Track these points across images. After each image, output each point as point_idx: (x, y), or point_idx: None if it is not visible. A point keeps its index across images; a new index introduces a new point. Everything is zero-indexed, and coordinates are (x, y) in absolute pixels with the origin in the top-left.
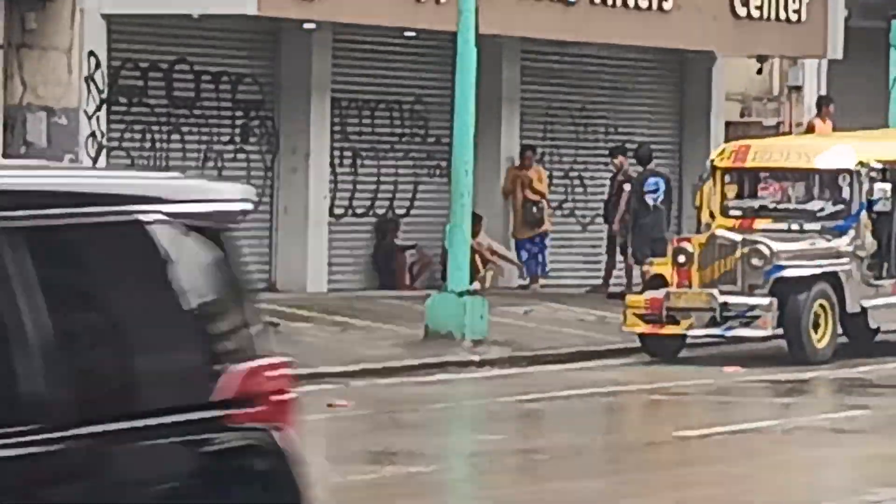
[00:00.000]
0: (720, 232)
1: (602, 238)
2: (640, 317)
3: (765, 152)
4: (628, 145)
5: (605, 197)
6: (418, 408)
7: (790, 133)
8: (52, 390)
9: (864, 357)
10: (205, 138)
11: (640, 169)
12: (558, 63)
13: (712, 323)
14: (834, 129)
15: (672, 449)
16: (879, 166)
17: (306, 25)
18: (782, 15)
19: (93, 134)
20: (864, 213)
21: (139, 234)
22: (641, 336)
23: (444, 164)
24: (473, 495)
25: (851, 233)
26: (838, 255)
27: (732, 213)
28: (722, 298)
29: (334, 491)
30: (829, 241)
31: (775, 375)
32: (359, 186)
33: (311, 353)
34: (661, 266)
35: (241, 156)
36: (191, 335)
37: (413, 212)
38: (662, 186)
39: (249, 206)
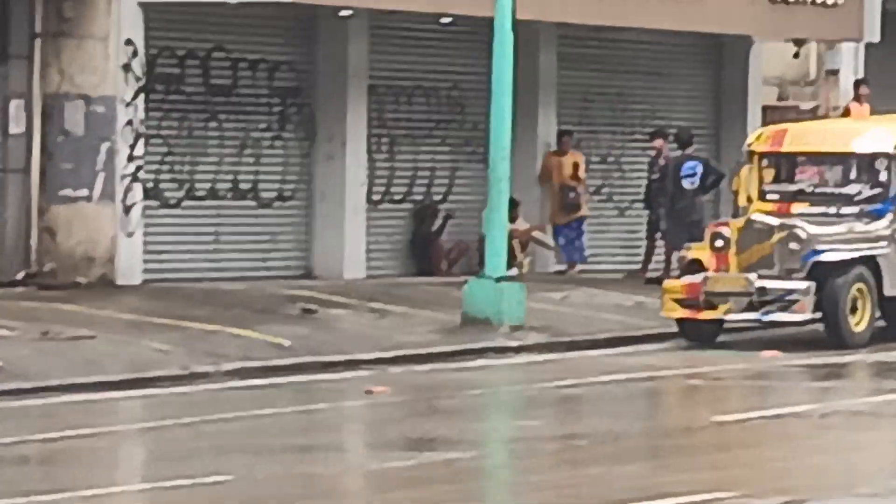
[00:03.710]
0: (757, 216)
1: (640, 223)
2: (678, 302)
3: (802, 136)
4: (665, 129)
5: (642, 181)
6: (456, 394)
7: (827, 117)
8: None
9: None
10: (242, 126)
11: (679, 153)
12: (595, 48)
13: (750, 307)
14: (871, 113)
15: (710, 434)
16: None
17: (343, 12)
18: None
19: (130, 122)
20: None
21: None
22: (679, 321)
23: (481, 149)
24: (511, 481)
25: (889, 216)
26: (876, 238)
27: (770, 197)
28: (759, 283)
29: (372, 477)
30: (866, 224)
31: (813, 360)
32: (396, 173)
33: (348, 339)
34: (699, 251)
35: (278, 143)
36: None
37: (450, 198)
38: (699, 171)
39: None
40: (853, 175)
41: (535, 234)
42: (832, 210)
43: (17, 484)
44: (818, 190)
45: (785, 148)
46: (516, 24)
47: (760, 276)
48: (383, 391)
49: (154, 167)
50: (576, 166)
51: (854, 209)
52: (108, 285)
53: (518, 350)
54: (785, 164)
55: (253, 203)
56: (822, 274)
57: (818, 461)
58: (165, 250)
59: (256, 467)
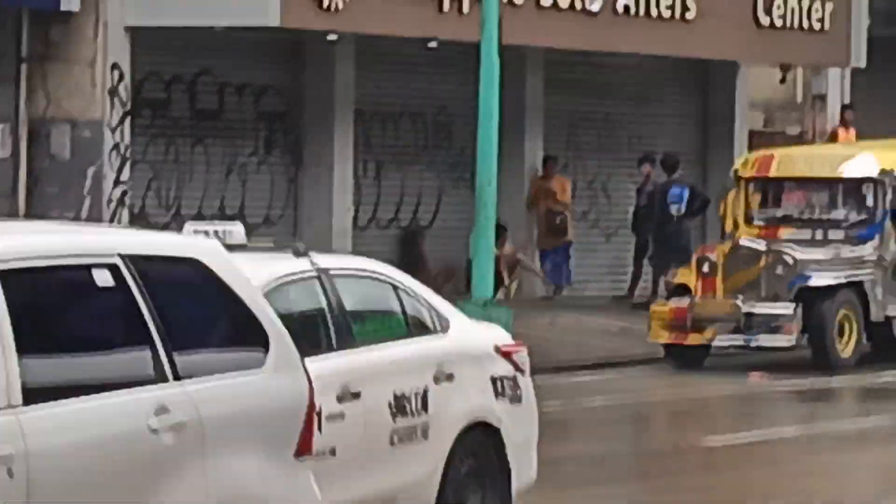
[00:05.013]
0: (744, 241)
1: (627, 248)
2: (665, 326)
3: (788, 161)
4: (654, 155)
5: (629, 206)
6: None
7: (813, 142)
8: None
9: (888, 365)
10: (228, 150)
11: (665, 178)
12: (582, 73)
13: (737, 331)
14: (857, 138)
15: (697, 456)
16: None
17: (329, 37)
18: (805, 24)
19: (116, 146)
20: (887, 222)
21: None
22: (666, 345)
23: (467, 174)
24: None
25: (875, 241)
26: (862, 263)
27: (756, 222)
28: (746, 307)
29: None
30: (853, 249)
31: (800, 383)
32: (382, 197)
33: None
34: (686, 275)
35: (264, 167)
36: None
37: (437, 223)
38: (685, 196)
39: None
40: (840, 200)
41: (521, 256)
42: (819, 235)
43: None
44: (805, 215)
45: (772, 173)
46: (503, 49)
47: (747, 301)
48: None
49: (140, 191)
50: (562, 191)
51: (841, 234)
52: None
53: None
54: (772, 189)
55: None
56: (809, 298)
57: (805, 484)
58: None
59: None
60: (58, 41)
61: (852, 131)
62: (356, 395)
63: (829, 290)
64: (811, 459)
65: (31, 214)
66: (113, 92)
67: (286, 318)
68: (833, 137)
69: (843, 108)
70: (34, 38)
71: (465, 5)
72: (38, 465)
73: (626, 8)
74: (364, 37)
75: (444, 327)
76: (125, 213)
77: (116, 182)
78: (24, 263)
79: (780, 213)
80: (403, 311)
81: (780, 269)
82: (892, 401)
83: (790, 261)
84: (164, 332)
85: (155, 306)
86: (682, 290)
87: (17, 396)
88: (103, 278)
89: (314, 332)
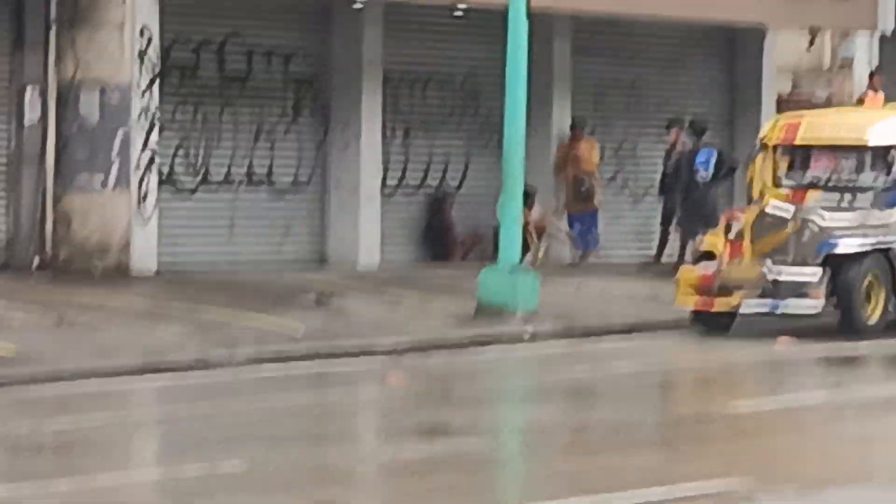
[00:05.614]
0: (772, 205)
1: (654, 212)
2: (692, 290)
3: (816, 126)
4: (682, 119)
5: (656, 171)
6: (470, 382)
7: (841, 107)
8: None
9: None
10: (257, 114)
11: (694, 140)
12: (609, 38)
13: (764, 297)
14: (885, 103)
15: (723, 423)
16: None
17: (357, 4)
18: None
19: (144, 110)
20: None
21: None
22: (693, 311)
23: (495, 139)
24: (525, 469)
25: None
26: (890, 229)
27: (784, 187)
28: (773, 273)
29: (386, 465)
30: (880, 215)
31: (827, 349)
32: (410, 162)
33: (363, 327)
34: (713, 239)
35: (293, 131)
36: None
37: (465, 187)
38: (713, 158)
39: None
40: (867, 165)
41: (549, 221)
42: (846, 200)
43: (32, 469)
44: (832, 180)
45: (799, 138)
46: (530, 14)
47: (775, 265)
48: (398, 379)
49: (169, 155)
50: (589, 155)
51: (868, 199)
52: (123, 273)
53: (532, 338)
54: (800, 154)
55: (268, 191)
56: (837, 264)
57: (832, 450)
58: (180, 238)
59: (270, 455)
60: (86, 5)
61: (880, 96)
62: None
63: (857, 256)
64: (838, 426)
65: (59, 177)
66: (141, 56)
67: None
68: (860, 102)
69: (871, 72)
70: (63, 2)
71: None
72: None
73: None
74: (392, 2)
75: None
76: (153, 177)
77: (145, 146)
78: None
79: (807, 178)
80: None
81: (807, 235)
82: None
83: (817, 226)
84: None
85: None
86: (709, 255)
87: None
88: None
89: None
